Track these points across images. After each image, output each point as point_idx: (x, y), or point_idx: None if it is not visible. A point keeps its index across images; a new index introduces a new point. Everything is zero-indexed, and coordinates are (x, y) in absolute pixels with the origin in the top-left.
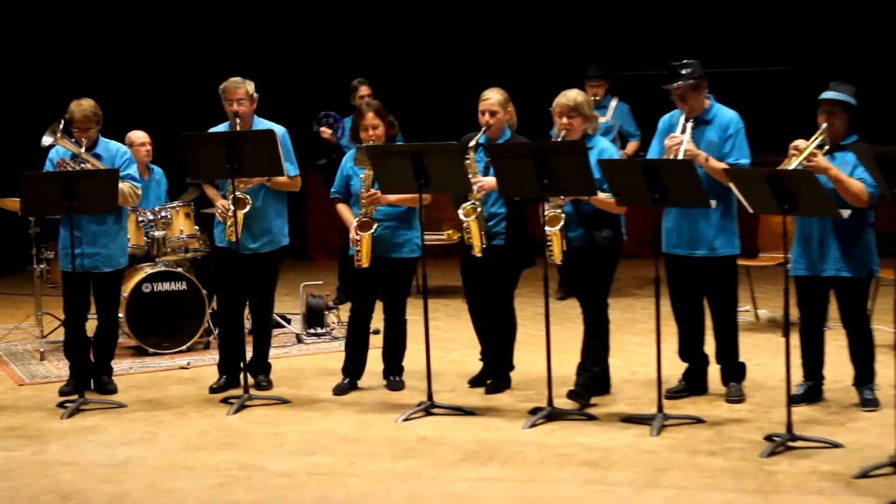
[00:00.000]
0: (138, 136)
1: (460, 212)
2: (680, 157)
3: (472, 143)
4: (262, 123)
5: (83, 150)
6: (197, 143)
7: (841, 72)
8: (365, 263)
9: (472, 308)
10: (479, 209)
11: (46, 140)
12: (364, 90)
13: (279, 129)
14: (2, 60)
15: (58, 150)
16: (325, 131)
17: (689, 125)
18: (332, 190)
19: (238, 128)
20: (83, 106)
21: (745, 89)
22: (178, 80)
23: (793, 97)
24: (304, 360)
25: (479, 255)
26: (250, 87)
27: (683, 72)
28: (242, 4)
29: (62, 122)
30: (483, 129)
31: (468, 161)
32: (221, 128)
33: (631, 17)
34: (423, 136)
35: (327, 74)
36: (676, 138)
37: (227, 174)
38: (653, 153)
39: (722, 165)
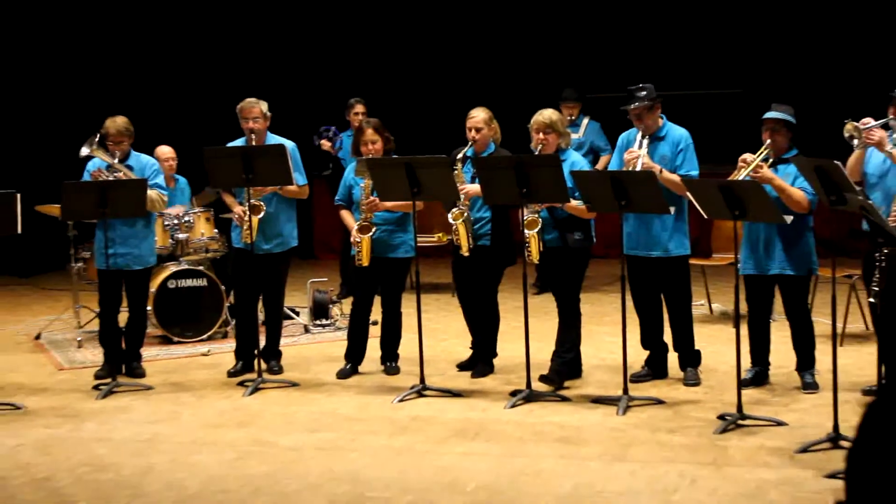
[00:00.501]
0: (164, 150)
1: (449, 216)
2: (638, 169)
3: (460, 156)
4: (274, 139)
5: (116, 161)
6: (217, 156)
7: (783, 94)
8: (365, 262)
9: (462, 302)
10: (465, 214)
11: (84, 151)
12: (359, 108)
13: (289, 144)
14: (42, 78)
15: (94, 161)
16: (326, 144)
17: (645, 141)
18: (336, 198)
19: (253, 142)
20: (117, 122)
21: (700, 109)
22: (201, 99)
23: (742, 116)
24: (310, 347)
25: (466, 254)
26: (264, 106)
27: (639, 94)
28: (256, 34)
29: (98, 135)
30: (470, 143)
31: (456, 172)
32: (238, 142)
33: (604, 43)
34: (416, 150)
35: (327, 93)
36: (634, 153)
37: (244, 183)
38: (613, 166)
39: (674, 177)
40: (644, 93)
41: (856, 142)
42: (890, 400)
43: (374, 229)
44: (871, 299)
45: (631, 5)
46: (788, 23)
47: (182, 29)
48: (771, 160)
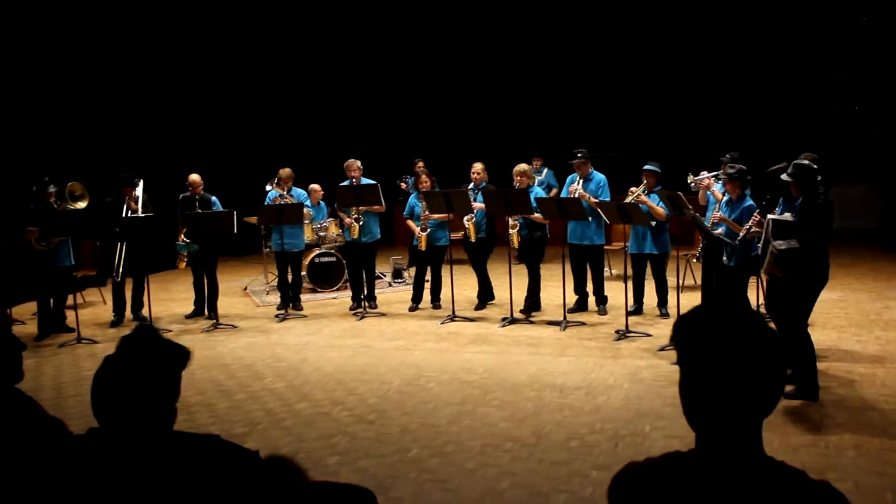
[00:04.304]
0: (315, 186)
1: (465, 220)
2: (576, 196)
3: (470, 188)
4: (366, 181)
5: (285, 192)
6: (341, 190)
7: (653, 154)
8: (423, 248)
9: (474, 268)
10: (473, 219)
11: (269, 188)
12: (420, 163)
13: (376, 183)
14: (249, 141)
15: (272, 192)
16: (403, 185)
17: (581, 181)
18: (404, 213)
19: (354, 183)
20: (286, 171)
21: (601, 164)
22: (331, 157)
23: (623, 168)
24: (392, 294)
25: (473, 241)
26: (359, 163)
27: (579, 154)
28: (364, 123)
29: (276, 178)
30: (473, 182)
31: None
32: (346, 183)
33: (557, 127)
34: (446, 184)
35: (401, 153)
36: (574, 187)
37: (354, 204)
38: (563, 194)
39: (596, 201)
40: (581, 153)
41: (693, 186)
42: (696, 311)
43: (428, 230)
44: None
45: (571, 107)
46: (653, 110)
47: (322, 118)
48: (646, 191)
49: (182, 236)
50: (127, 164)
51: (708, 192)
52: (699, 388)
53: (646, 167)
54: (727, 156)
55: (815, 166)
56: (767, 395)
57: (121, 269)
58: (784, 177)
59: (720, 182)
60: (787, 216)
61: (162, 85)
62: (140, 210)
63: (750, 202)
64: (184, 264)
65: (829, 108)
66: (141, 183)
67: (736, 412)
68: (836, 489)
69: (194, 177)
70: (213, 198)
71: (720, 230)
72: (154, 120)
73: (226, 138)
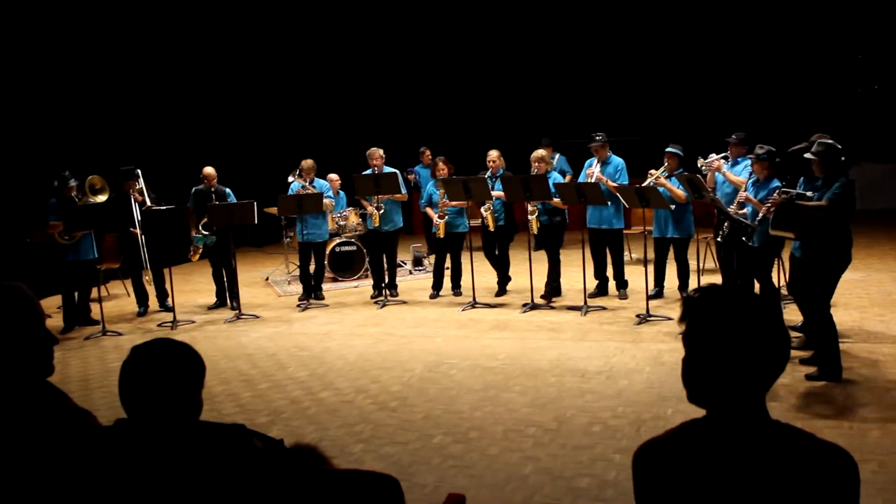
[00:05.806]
0: (333, 176)
1: (482, 210)
2: (593, 181)
3: (487, 176)
4: (387, 169)
5: (307, 183)
6: (360, 179)
7: (673, 138)
8: (441, 235)
9: (488, 256)
10: (491, 208)
11: (291, 179)
12: (427, 152)
13: (396, 171)
14: (256, 134)
15: (295, 183)
16: (410, 177)
17: (599, 165)
18: (422, 202)
19: (376, 171)
20: (308, 162)
21: (621, 147)
22: (350, 149)
23: (642, 152)
24: (412, 282)
25: (492, 230)
26: (381, 151)
27: (597, 138)
28: (380, 119)
29: (297, 170)
30: (490, 170)
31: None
32: (368, 171)
33: (569, 112)
34: (463, 172)
35: (407, 143)
36: (592, 171)
37: (374, 193)
38: (581, 178)
39: (615, 185)
40: (599, 136)
41: (703, 169)
42: (704, 290)
43: (446, 217)
44: (718, 239)
45: (585, 94)
46: (667, 93)
47: (344, 117)
48: (667, 174)
49: (199, 228)
50: (140, 157)
51: (717, 175)
52: (708, 366)
53: (668, 149)
54: (733, 136)
55: (840, 146)
56: (771, 369)
57: (147, 261)
58: (808, 155)
59: (729, 163)
60: (808, 196)
61: (178, 77)
62: (147, 201)
63: (777, 183)
64: (197, 256)
65: (849, 87)
66: (140, 173)
67: (741, 387)
68: (845, 450)
69: (209, 170)
70: (227, 190)
71: (745, 210)
72: (169, 112)
73: (243, 129)
